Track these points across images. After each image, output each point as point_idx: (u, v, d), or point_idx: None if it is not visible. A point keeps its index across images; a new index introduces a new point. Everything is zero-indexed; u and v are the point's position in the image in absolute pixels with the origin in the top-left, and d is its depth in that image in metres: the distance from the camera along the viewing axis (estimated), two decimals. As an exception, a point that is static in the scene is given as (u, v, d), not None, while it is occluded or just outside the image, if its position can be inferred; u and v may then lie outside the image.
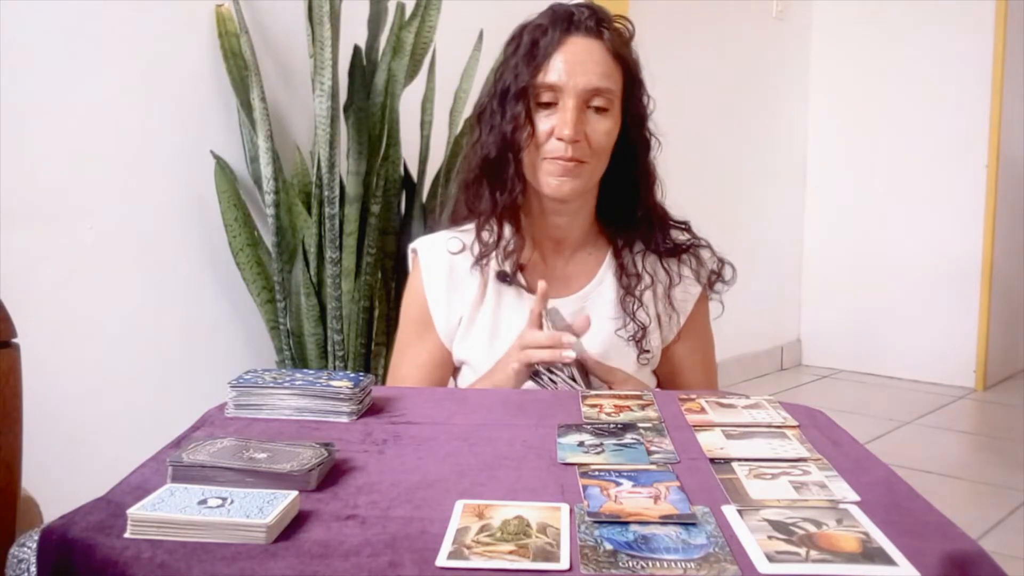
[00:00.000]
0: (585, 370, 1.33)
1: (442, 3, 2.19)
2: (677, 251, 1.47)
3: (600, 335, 1.40)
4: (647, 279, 1.44)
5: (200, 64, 2.12)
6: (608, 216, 1.48)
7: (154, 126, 2.06)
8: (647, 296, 1.44)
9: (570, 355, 1.27)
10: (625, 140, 1.41)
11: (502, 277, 1.42)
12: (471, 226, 1.45)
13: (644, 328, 1.42)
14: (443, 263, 1.45)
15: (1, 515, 1.08)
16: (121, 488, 0.87)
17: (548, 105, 1.36)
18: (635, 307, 1.42)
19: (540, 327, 1.31)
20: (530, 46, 1.37)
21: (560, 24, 1.37)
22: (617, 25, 1.41)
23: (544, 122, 1.36)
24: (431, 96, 2.23)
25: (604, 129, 1.37)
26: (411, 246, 1.51)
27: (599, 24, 1.38)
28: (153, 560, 0.73)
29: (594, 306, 1.43)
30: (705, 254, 1.49)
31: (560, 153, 1.34)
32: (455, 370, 1.49)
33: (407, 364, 1.47)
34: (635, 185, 1.45)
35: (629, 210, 1.46)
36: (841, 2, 4.34)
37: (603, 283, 1.45)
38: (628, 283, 1.43)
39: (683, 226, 1.49)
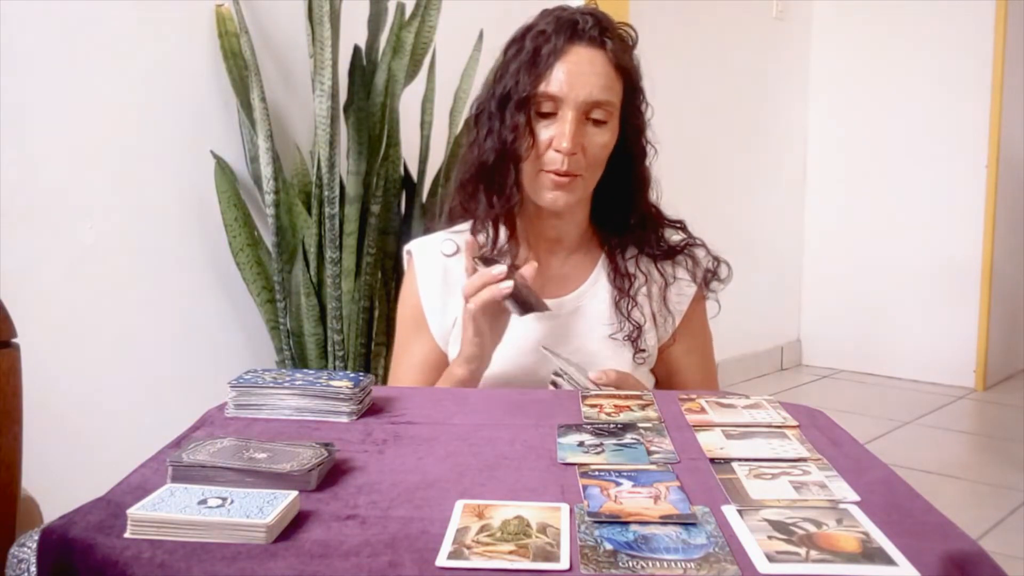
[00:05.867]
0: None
1: (442, 3, 2.19)
2: (671, 253, 1.47)
3: (596, 335, 1.41)
4: (641, 278, 1.44)
5: (200, 64, 2.12)
6: (602, 220, 1.47)
7: (154, 126, 2.06)
8: (641, 296, 1.44)
9: (508, 285, 1.24)
10: (622, 148, 1.40)
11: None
12: (466, 226, 1.44)
13: (639, 327, 1.42)
14: (437, 265, 1.45)
15: (1, 515, 1.08)
16: (121, 488, 0.87)
17: (548, 115, 1.35)
18: (629, 307, 1.42)
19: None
20: (532, 53, 1.34)
21: (563, 32, 1.35)
22: (620, 32, 1.39)
23: (543, 132, 1.35)
24: (431, 96, 2.23)
25: (602, 142, 1.36)
26: (406, 247, 1.51)
27: (602, 34, 1.36)
28: (153, 560, 0.73)
29: (589, 306, 1.43)
30: (700, 253, 1.48)
31: (556, 166, 1.33)
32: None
33: (403, 366, 1.47)
34: (630, 191, 1.44)
35: (623, 215, 1.45)
36: (841, 2, 4.33)
37: (597, 284, 1.45)
38: (622, 283, 1.43)
39: (678, 224, 1.49)
